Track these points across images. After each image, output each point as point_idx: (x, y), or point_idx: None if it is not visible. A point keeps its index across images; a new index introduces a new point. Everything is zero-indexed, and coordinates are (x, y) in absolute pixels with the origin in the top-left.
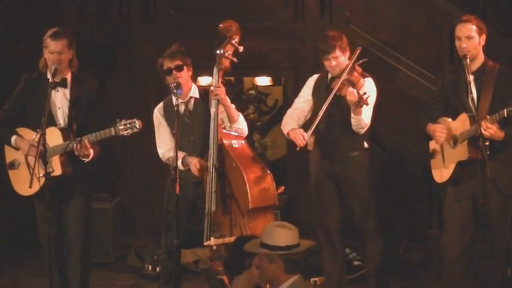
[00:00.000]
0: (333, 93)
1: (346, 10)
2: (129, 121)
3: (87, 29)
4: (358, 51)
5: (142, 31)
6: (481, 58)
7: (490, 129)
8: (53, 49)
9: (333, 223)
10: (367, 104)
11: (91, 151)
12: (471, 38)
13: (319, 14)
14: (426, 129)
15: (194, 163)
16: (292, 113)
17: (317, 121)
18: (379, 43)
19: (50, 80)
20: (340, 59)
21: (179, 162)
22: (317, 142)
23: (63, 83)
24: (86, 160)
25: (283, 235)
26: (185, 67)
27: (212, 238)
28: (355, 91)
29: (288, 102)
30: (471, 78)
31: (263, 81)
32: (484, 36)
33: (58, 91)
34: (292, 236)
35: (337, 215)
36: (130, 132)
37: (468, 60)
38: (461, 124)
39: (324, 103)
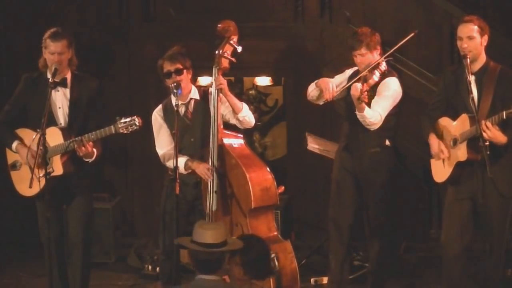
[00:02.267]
0: (349, 84)
1: (346, 10)
2: (128, 118)
3: (87, 29)
4: (412, 34)
5: (142, 31)
6: (482, 58)
7: (489, 130)
8: (53, 50)
9: (345, 220)
10: (365, 101)
11: (94, 150)
12: (472, 38)
13: (319, 14)
14: (428, 138)
15: (202, 168)
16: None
17: (345, 85)
18: None
19: (50, 80)
20: (365, 57)
21: (181, 165)
22: (342, 136)
23: (63, 83)
24: (89, 160)
25: (199, 231)
26: (185, 71)
27: None
28: (359, 86)
29: (288, 102)
30: (471, 78)
31: (263, 81)
32: (486, 37)
33: (58, 90)
34: (204, 235)
35: (351, 212)
36: (130, 130)
37: (468, 60)
38: (461, 124)
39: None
